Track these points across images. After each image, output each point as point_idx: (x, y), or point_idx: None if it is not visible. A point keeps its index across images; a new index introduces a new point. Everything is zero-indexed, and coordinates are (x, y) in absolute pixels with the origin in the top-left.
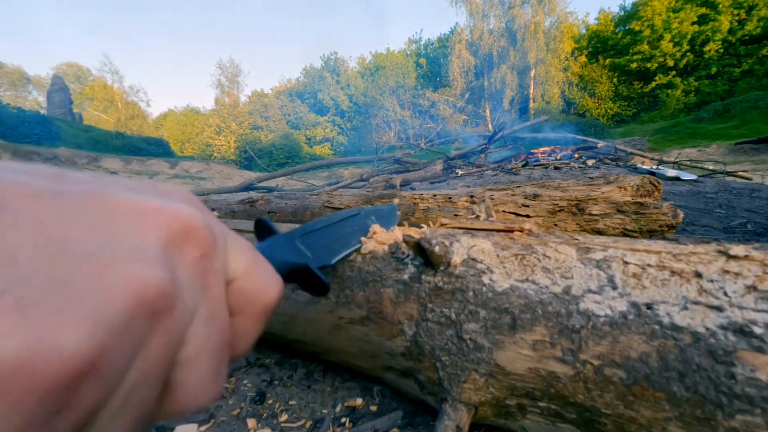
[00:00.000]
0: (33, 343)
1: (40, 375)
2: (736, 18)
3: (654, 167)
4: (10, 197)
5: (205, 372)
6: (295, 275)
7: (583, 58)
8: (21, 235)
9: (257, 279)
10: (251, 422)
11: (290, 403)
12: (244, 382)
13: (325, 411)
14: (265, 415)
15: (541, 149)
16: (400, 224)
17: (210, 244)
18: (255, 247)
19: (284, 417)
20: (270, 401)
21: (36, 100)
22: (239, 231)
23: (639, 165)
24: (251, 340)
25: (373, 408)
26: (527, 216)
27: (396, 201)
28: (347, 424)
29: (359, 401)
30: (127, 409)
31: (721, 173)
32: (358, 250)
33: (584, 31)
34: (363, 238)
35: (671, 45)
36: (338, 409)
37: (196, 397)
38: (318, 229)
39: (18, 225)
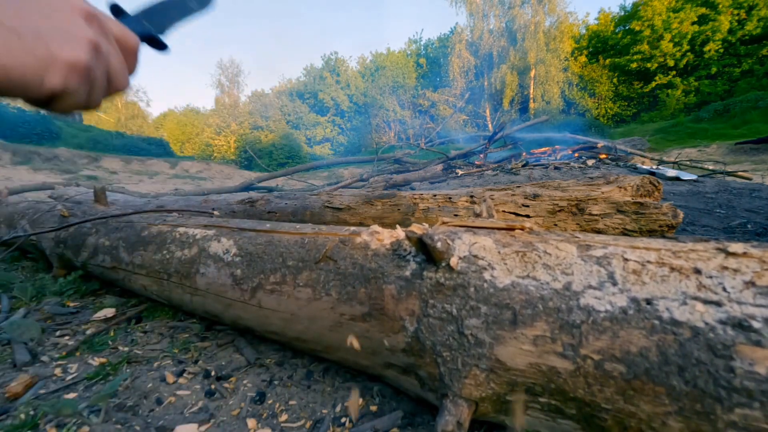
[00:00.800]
0: (74, 54)
1: (78, 64)
2: (736, 18)
3: (654, 167)
4: None
5: (120, 72)
6: (145, 40)
7: (583, 58)
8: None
9: (127, 36)
10: (251, 422)
11: (290, 403)
12: (244, 382)
13: (325, 411)
14: (265, 415)
15: (541, 149)
16: (400, 224)
17: (102, 19)
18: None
19: (284, 417)
20: (270, 401)
21: None
22: (241, 229)
23: (639, 165)
24: (134, 66)
25: (373, 408)
26: (527, 216)
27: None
28: (347, 424)
29: (359, 401)
30: (100, 86)
31: (721, 173)
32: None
33: (584, 31)
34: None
35: (671, 45)
36: (338, 409)
37: (120, 83)
38: (155, 9)
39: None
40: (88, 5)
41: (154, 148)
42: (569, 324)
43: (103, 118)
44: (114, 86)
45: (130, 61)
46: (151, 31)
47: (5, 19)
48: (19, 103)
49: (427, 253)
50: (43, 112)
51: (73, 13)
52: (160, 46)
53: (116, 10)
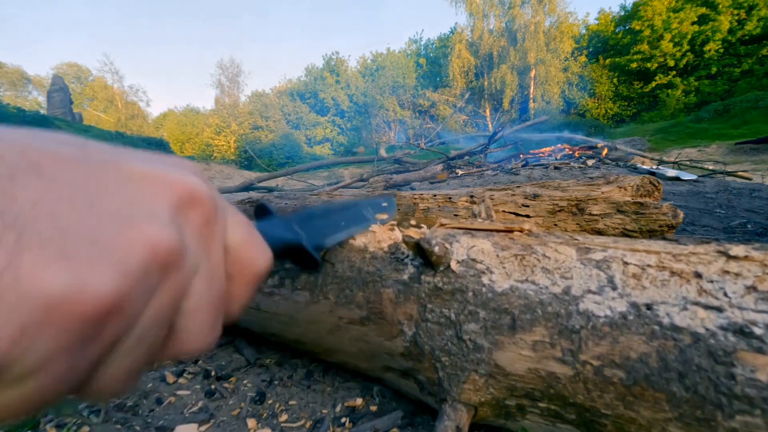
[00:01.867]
0: (74, 284)
1: (79, 307)
2: (736, 18)
3: (654, 167)
4: (45, 162)
5: (203, 322)
6: (289, 252)
7: (583, 58)
8: (58, 195)
9: (250, 249)
10: (251, 422)
11: (290, 403)
12: (244, 382)
13: (325, 411)
14: (265, 415)
15: (542, 150)
16: (401, 224)
17: (212, 212)
18: (251, 223)
19: (284, 417)
20: (270, 401)
21: (36, 100)
22: None
23: (639, 165)
24: (243, 303)
25: (373, 408)
26: (527, 216)
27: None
28: (347, 424)
29: (359, 401)
30: (140, 346)
31: (721, 173)
32: (353, 238)
33: (584, 31)
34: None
35: (671, 45)
36: (338, 409)
37: (194, 343)
38: (314, 215)
39: (54, 188)
40: (194, 183)
41: (154, 148)
42: (568, 329)
43: (103, 118)
44: (178, 345)
45: (240, 292)
46: (302, 240)
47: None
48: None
49: (425, 257)
50: (42, 112)
51: (156, 197)
52: (309, 263)
53: (261, 210)
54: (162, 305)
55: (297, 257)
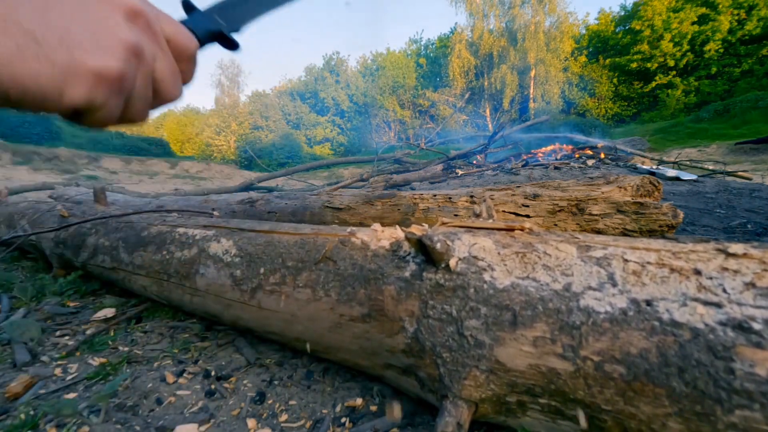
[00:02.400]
0: (104, 64)
1: (108, 74)
2: (736, 18)
3: (654, 167)
4: None
5: (170, 83)
6: (214, 37)
7: (583, 58)
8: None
9: (182, 37)
10: (251, 422)
11: (290, 403)
12: (244, 382)
13: (325, 411)
14: (265, 415)
15: (544, 149)
16: (400, 224)
17: (151, 17)
18: (179, 20)
19: (284, 417)
20: (270, 401)
21: None
22: (241, 230)
23: (639, 165)
24: (190, 75)
25: (373, 408)
26: (527, 216)
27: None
28: (347, 424)
29: (359, 401)
30: (141, 98)
31: (721, 173)
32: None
33: (584, 31)
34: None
35: (671, 45)
36: (338, 409)
37: (169, 94)
38: (233, 3)
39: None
40: (133, 1)
41: (154, 148)
42: (569, 325)
43: None
44: (162, 97)
45: (186, 67)
46: (221, 28)
47: (24, 20)
48: None
49: (427, 254)
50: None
51: (112, 11)
52: (231, 45)
53: (187, 6)
54: (143, 76)
55: (221, 41)
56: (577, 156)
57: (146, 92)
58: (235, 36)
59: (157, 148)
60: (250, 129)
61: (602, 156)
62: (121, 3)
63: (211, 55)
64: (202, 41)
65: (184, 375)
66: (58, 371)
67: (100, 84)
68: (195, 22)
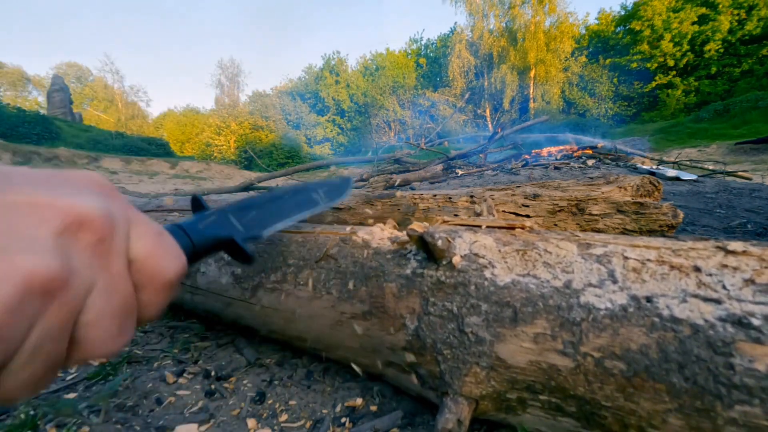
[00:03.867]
0: None
1: None
2: (736, 18)
3: (654, 167)
4: None
5: (106, 330)
6: (222, 246)
7: (583, 58)
8: None
9: (158, 258)
10: (251, 422)
11: (290, 403)
12: (244, 382)
13: (325, 411)
14: (265, 415)
15: (553, 148)
16: (400, 224)
17: (107, 230)
18: (165, 227)
19: (284, 417)
20: (270, 401)
21: (36, 100)
22: None
23: (639, 165)
24: (157, 309)
25: (373, 408)
26: (527, 216)
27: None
28: (347, 424)
29: (359, 401)
30: (36, 359)
31: (721, 173)
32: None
33: (584, 31)
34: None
35: (671, 45)
36: (338, 409)
37: (99, 349)
38: (254, 204)
39: None
40: (85, 204)
41: (154, 148)
42: (569, 322)
43: (103, 118)
44: (84, 350)
45: (151, 297)
46: (233, 234)
47: None
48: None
49: (428, 251)
50: (42, 112)
51: (39, 224)
52: (242, 256)
53: (196, 204)
54: (51, 322)
55: (230, 250)
56: (577, 155)
57: (51, 349)
58: (252, 243)
59: (157, 148)
60: (250, 129)
61: (603, 156)
62: (61, 212)
63: (212, 56)
64: (200, 252)
65: (184, 375)
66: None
67: None
68: (197, 227)
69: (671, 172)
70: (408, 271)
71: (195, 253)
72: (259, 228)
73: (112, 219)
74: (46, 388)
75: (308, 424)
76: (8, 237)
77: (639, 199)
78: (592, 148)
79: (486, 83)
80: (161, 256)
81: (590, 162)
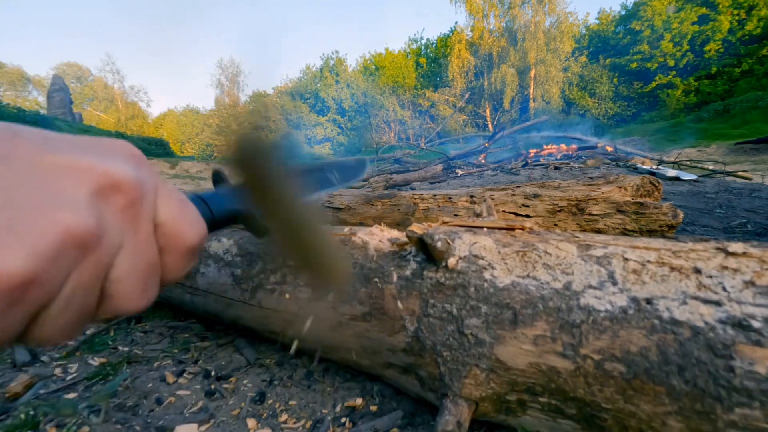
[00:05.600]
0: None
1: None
2: (736, 18)
3: (654, 167)
4: None
5: (132, 288)
6: (240, 219)
7: (584, 58)
8: None
9: (181, 224)
10: (251, 422)
11: (290, 403)
12: (244, 382)
13: (325, 411)
14: (265, 415)
15: (548, 148)
16: (400, 224)
17: (137, 194)
18: (188, 197)
19: (284, 417)
20: (270, 401)
21: (36, 100)
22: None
23: (639, 165)
24: (178, 272)
25: (373, 408)
26: (527, 216)
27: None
28: (347, 424)
29: (359, 401)
30: (70, 308)
31: (721, 173)
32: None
33: (584, 31)
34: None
35: (671, 45)
36: (338, 409)
37: (126, 305)
38: None
39: None
40: (119, 169)
41: (154, 148)
42: (569, 324)
43: (103, 118)
44: (114, 305)
45: (174, 260)
46: (251, 209)
47: None
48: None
49: (428, 252)
50: (42, 112)
51: (75, 186)
52: (259, 229)
53: (217, 177)
54: (84, 276)
55: (248, 224)
56: (575, 154)
57: (84, 300)
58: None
59: (157, 148)
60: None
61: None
62: (97, 175)
63: (211, 56)
64: (219, 222)
65: (184, 375)
66: (58, 371)
67: None
68: (217, 199)
69: (671, 172)
70: (408, 273)
71: (214, 222)
72: None
73: (142, 185)
74: (76, 338)
75: (308, 424)
76: (50, 195)
77: (639, 199)
78: (592, 148)
79: (486, 83)
80: (184, 222)
81: (590, 162)
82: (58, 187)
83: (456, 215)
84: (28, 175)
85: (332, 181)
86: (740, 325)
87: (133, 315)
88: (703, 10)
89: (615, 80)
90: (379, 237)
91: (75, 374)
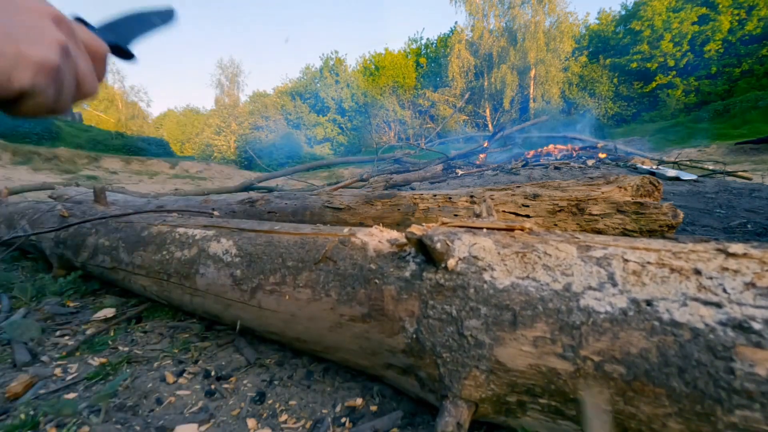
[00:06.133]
0: (45, 57)
1: (47, 65)
2: (736, 18)
3: (654, 167)
4: None
5: (88, 80)
6: (111, 49)
7: (584, 58)
8: None
9: (95, 42)
10: (251, 422)
11: (290, 403)
12: (244, 382)
13: (325, 411)
14: (265, 415)
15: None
16: (400, 225)
17: (71, 25)
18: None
19: (284, 417)
20: (270, 401)
21: None
22: (241, 230)
23: (639, 165)
24: (103, 73)
25: (373, 408)
26: (527, 216)
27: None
28: (347, 424)
29: (359, 401)
30: (69, 89)
31: (721, 173)
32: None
33: (584, 31)
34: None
35: (671, 45)
36: (338, 409)
37: (88, 89)
38: (117, 23)
39: None
40: (56, 9)
41: (154, 148)
42: (569, 325)
43: (103, 118)
44: (83, 91)
45: (99, 67)
46: (116, 41)
47: None
48: None
49: (427, 253)
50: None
51: (42, 16)
52: (128, 55)
53: (80, 23)
54: (70, 71)
55: (117, 53)
56: (576, 154)
57: (71, 85)
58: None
59: (157, 148)
60: (250, 129)
61: (601, 156)
62: (48, 11)
63: (212, 56)
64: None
65: (184, 375)
66: (58, 371)
67: (41, 72)
68: (96, 30)
69: (671, 172)
70: (407, 274)
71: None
72: (126, 40)
73: (68, 18)
74: (69, 111)
75: (308, 424)
76: (39, 22)
77: (639, 199)
78: (592, 148)
79: (486, 83)
80: (96, 40)
81: (590, 162)
82: (36, 18)
83: (456, 215)
84: (14, 8)
85: (154, 23)
86: (740, 326)
87: (88, 100)
88: (703, 10)
89: (615, 80)
90: (378, 238)
91: (75, 374)
